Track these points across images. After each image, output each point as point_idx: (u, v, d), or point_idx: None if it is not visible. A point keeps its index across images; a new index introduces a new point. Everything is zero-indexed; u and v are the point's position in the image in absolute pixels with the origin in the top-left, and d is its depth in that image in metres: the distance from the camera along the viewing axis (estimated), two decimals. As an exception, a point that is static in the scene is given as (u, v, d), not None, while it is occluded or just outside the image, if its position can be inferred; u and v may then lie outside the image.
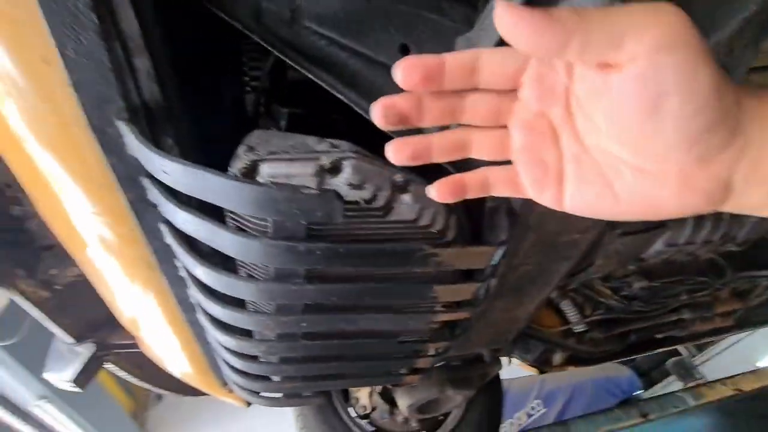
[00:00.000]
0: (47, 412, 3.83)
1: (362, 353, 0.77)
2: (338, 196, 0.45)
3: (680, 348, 5.19)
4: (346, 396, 1.49)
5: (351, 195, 0.50)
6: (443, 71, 0.33)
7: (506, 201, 0.61)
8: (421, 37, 0.53)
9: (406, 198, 0.55)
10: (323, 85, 0.53)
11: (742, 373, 1.76)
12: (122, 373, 1.29)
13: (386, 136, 0.52)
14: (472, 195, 0.41)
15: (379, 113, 0.35)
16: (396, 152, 0.37)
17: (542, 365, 1.76)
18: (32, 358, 3.33)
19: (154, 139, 0.50)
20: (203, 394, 1.40)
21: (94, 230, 0.64)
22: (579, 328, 1.39)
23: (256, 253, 0.51)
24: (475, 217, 0.64)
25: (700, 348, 5.45)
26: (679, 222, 1.08)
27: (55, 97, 0.46)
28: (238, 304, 0.64)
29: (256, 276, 0.59)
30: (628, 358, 2.09)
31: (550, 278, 0.82)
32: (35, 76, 0.44)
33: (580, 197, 0.35)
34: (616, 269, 1.25)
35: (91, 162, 0.52)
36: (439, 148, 0.38)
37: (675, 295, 1.37)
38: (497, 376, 1.67)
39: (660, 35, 0.26)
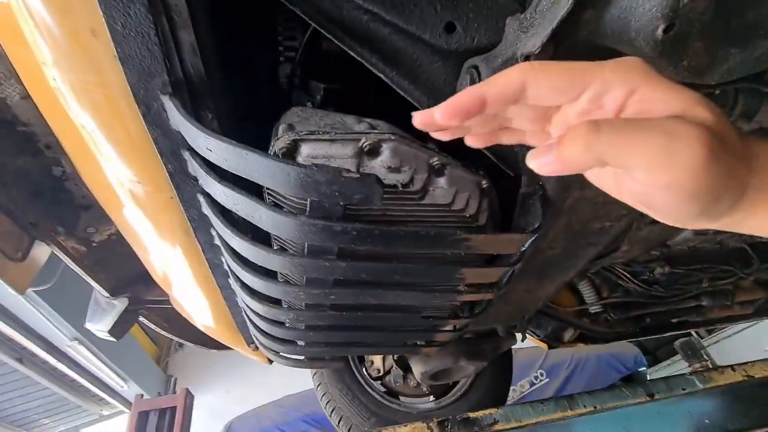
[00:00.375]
0: (79, 352, 4.14)
1: (385, 325, 0.80)
2: (378, 181, 0.46)
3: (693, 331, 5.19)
4: (361, 357, 1.56)
5: (389, 178, 0.50)
6: (485, 106, 0.33)
7: (541, 187, 0.61)
8: (469, 14, 0.50)
9: (442, 181, 0.55)
10: (364, 62, 0.52)
11: (753, 361, 1.77)
12: (153, 326, 1.38)
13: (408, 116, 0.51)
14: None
15: (419, 125, 0.35)
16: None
17: (552, 341, 1.79)
18: (66, 303, 3.55)
19: (195, 113, 0.51)
20: (228, 348, 1.48)
21: (135, 198, 0.67)
22: (595, 308, 1.40)
23: (293, 230, 0.52)
24: (508, 203, 0.64)
25: (710, 330, 5.45)
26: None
27: (102, 70, 0.46)
28: (269, 274, 0.66)
29: (290, 250, 0.61)
30: (640, 339, 2.11)
31: (575, 262, 0.82)
32: (83, 47, 0.44)
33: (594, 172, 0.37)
34: (640, 255, 1.24)
35: (135, 134, 0.53)
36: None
37: (696, 282, 1.36)
38: (508, 351, 1.71)
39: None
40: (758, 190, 0.29)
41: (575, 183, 0.60)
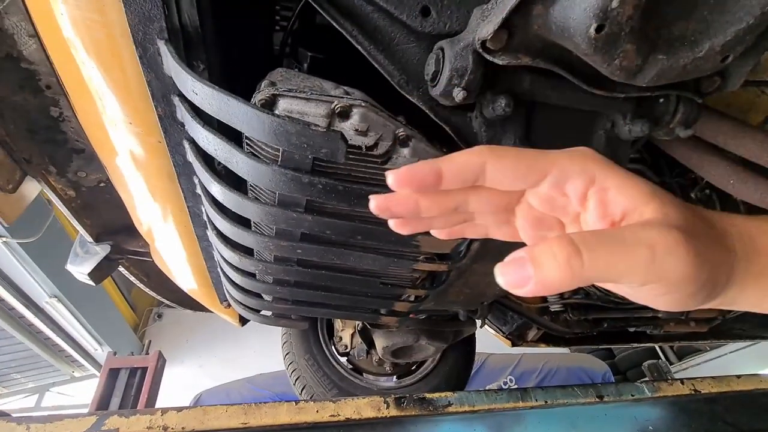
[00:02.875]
0: (57, 310, 4.15)
1: (347, 288, 0.85)
2: (343, 137, 0.51)
3: (661, 353, 5.34)
4: (330, 332, 1.62)
5: (355, 139, 0.56)
6: (440, 181, 0.32)
7: (497, 170, 0.67)
8: (443, 1, 0.56)
9: (405, 151, 0.60)
10: (346, 34, 0.57)
11: (703, 377, 1.86)
12: (131, 278, 1.42)
13: (389, 92, 0.57)
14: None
15: (376, 210, 0.34)
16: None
17: (517, 339, 1.87)
18: (49, 258, 3.56)
19: (188, 61, 0.56)
20: (202, 309, 1.54)
21: (125, 139, 0.72)
22: (556, 307, 1.47)
23: (265, 178, 0.58)
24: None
25: (681, 357, 5.58)
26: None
27: (106, 11, 0.51)
28: (244, 223, 0.72)
29: (263, 200, 0.66)
30: (601, 346, 2.20)
31: (529, 251, 0.88)
32: (91, -13, 0.49)
33: None
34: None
35: (131, 75, 0.58)
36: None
37: (653, 293, 1.44)
38: (470, 338, 1.78)
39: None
40: (742, 270, 0.31)
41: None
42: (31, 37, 0.78)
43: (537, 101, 0.62)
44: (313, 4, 0.56)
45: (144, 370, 2.40)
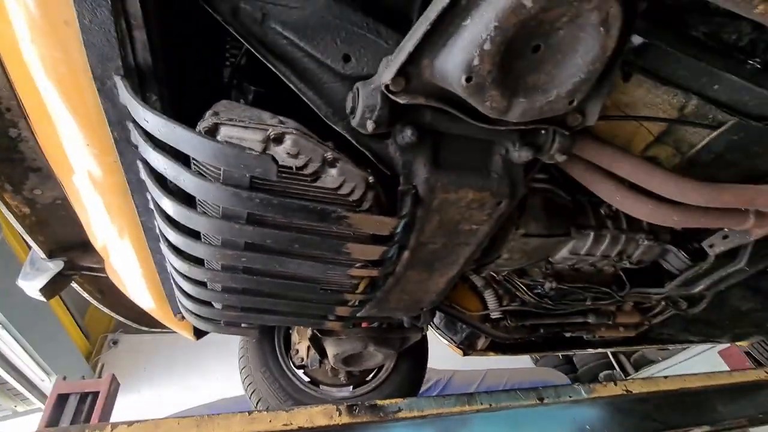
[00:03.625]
0: (1, 338, 3.89)
1: (291, 294, 0.94)
2: (274, 159, 0.62)
3: (617, 366, 5.61)
4: (288, 346, 1.68)
5: (287, 161, 0.67)
6: None
7: (414, 187, 0.79)
8: (360, 51, 0.69)
9: (333, 171, 0.72)
10: (279, 74, 0.69)
11: (634, 378, 2.04)
12: (85, 295, 1.44)
13: (321, 123, 0.69)
14: None
15: None
16: None
17: (467, 348, 1.99)
18: (-9, 282, 3.38)
19: (142, 94, 0.66)
20: (158, 326, 1.56)
21: (83, 159, 0.79)
22: (496, 315, 1.60)
23: (210, 193, 0.67)
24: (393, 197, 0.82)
25: (637, 368, 5.89)
26: (582, 235, 1.28)
27: (70, 51, 0.60)
28: (194, 235, 0.80)
29: (210, 213, 0.75)
30: (546, 353, 2.34)
31: (454, 258, 1.00)
32: (57, 32, 0.59)
33: None
34: (530, 267, 1.46)
35: (90, 104, 0.67)
36: None
37: (581, 300, 1.59)
38: (422, 348, 1.88)
39: None
40: None
41: (439, 187, 0.79)
42: (-6, 66, 0.85)
43: (441, 131, 0.75)
44: (250, 49, 0.67)
45: (95, 394, 2.32)
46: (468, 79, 0.57)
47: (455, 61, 0.56)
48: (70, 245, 1.25)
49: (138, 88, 0.64)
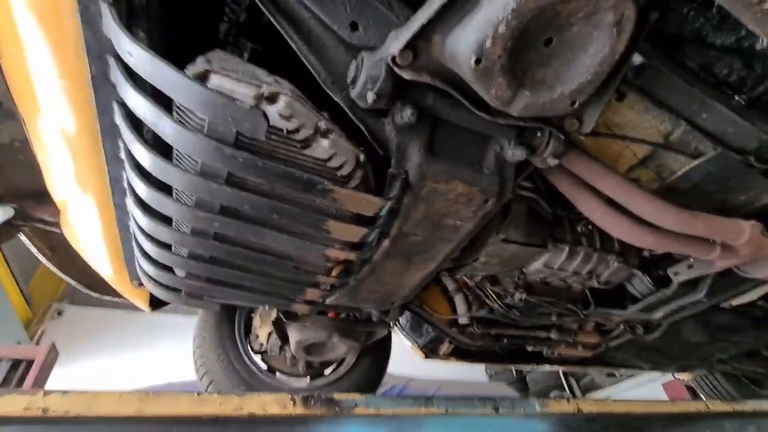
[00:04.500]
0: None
1: (261, 269, 0.89)
2: (265, 116, 0.58)
3: (567, 389, 5.78)
4: (248, 329, 1.61)
5: (278, 122, 0.63)
6: None
7: (404, 172, 0.77)
8: (369, 21, 0.67)
9: (325, 142, 0.68)
10: (283, 33, 0.65)
11: (585, 398, 2.08)
12: (34, 249, 1.33)
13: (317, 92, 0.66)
14: None
15: None
16: None
17: (430, 352, 1.98)
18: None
19: (129, 27, 0.60)
20: (110, 293, 1.46)
21: (53, 95, 0.72)
22: (463, 320, 1.60)
23: (190, 145, 0.62)
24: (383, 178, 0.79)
25: (585, 392, 6.07)
26: (558, 248, 1.30)
27: (54, -36, 0.55)
28: (165, 190, 0.75)
29: (186, 168, 0.70)
30: (505, 364, 2.37)
31: (434, 254, 0.99)
32: (42, -59, 0.53)
33: None
34: (502, 274, 1.47)
35: (69, 30, 0.61)
36: None
37: (547, 314, 1.62)
38: (385, 347, 1.86)
39: None
40: None
41: (430, 174, 0.77)
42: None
43: (440, 118, 0.73)
44: (257, 2, 0.64)
45: (29, 362, 2.16)
46: (477, 61, 0.56)
47: (467, 41, 0.55)
48: (23, 193, 1.15)
49: (126, 19, 0.59)
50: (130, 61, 0.57)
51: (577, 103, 0.64)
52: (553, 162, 0.78)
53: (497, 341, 1.69)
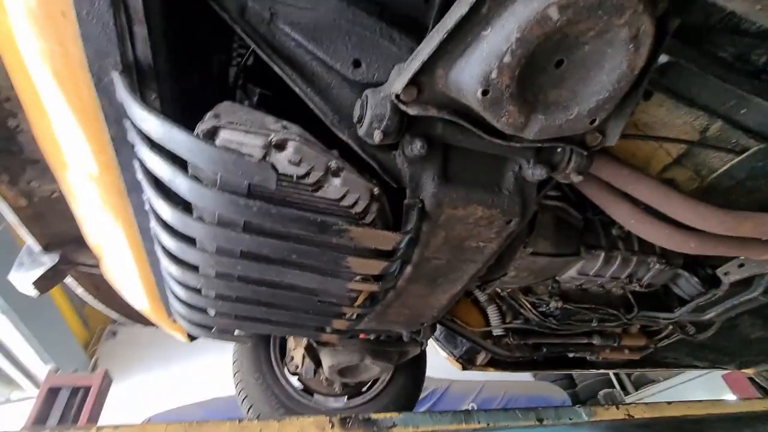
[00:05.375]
0: (1, 325, 3.89)
1: (287, 304, 0.90)
2: (273, 167, 0.58)
3: (617, 384, 5.52)
4: (283, 352, 1.64)
5: (288, 169, 0.63)
6: None
7: (420, 201, 0.75)
8: (372, 56, 0.66)
9: (336, 181, 0.68)
10: (285, 78, 0.65)
11: (637, 403, 1.98)
12: (80, 290, 1.41)
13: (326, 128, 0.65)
14: None
15: None
16: None
17: (466, 362, 1.94)
18: (-7, 268, 3.37)
19: (141, 92, 0.62)
20: (151, 323, 1.52)
21: (78, 156, 0.76)
22: (498, 332, 1.56)
23: (205, 199, 0.64)
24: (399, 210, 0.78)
25: (637, 387, 5.78)
26: (592, 255, 1.24)
27: (66, 43, 0.57)
28: (188, 241, 0.77)
29: (206, 219, 0.72)
30: (546, 371, 2.29)
31: (460, 275, 0.96)
32: (54, 23, 0.56)
33: None
34: (536, 285, 1.42)
35: (87, 99, 0.64)
36: None
37: (586, 321, 1.55)
38: (420, 361, 1.84)
39: None
40: None
41: (446, 202, 0.75)
42: (-6, 55, 0.82)
43: (452, 144, 0.71)
44: (257, 51, 0.64)
45: (87, 389, 2.29)
46: (484, 93, 0.53)
47: (472, 73, 0.53)
48: (66, 239, 1.22)
49: (137, 85, 0.61)
50: (143, 127, 0.59)
51: (597, 121, 0.60)
52: (577, 178, 0.74)
53: (536, 351, 1.63)
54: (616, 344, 1.72)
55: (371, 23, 0.65)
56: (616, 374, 5.48)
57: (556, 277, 1.32)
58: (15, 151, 0.99)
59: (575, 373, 5.32)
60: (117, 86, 0.60)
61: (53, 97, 0.66)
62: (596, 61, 0.54)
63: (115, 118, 0.66)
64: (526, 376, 5.34)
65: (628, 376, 5.59)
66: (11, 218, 1.09)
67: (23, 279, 1.16)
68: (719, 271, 1.26)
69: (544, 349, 1.65)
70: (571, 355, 1.80)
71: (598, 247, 1.23)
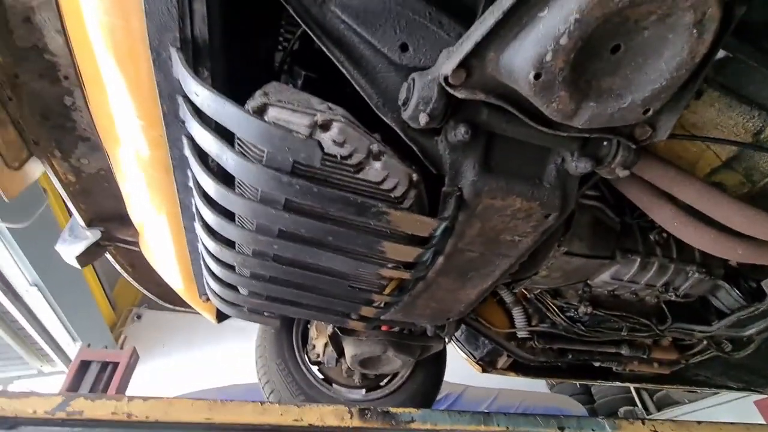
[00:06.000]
0: (36, 299, 4.10)
1: (318, 287, 0.91)
2: (320, 145, 0.59)
3: (639, 402, 5.32)
4: (305, 339, 1.66)
5: (332, 149, 0.64)
6: None
7: (459, 189, 0.75)
8: (420, 41, 0.66)
9: (377, 164, 0.68)
10: (333, 59, 0.66)
11: (663, 420, 1.90)
12: (117, 266, 1.47)
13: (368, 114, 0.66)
14: None
15: None
16: None
17: (487, 365, 1.91)
18: (34, 247, 3.56)
19: (195, 68, 0.65)
20: (183, 305, 1.57)
21: (130, 131, 0.79)
22: (522, 334, 1.53)
23: (250, 175, 0.65)
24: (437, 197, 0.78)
25: (660, 407, 5.55)
26: (628, 260, 1.20)
27: (130, 18, 0.60)
28: (228, 217, 0.79)
29: (247, 196, 0.74)
30: (570, 380, 2.24)
31: (492, 270, 0.95)
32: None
33: None
34: (565, 287, 1.38)
35: (144, 74, 0.67)
36: None
37: (615, 329, 1.50)
38: (440, 360, 1.82)
39: None
40: None
41: (486, 191, 0.74)
42: (57, 33, 0.87)
43: (496, 132, 0.70)
44: (308, 31, 0.65)
45: (115, 365, 2.39)
46: (537, 76, 0.53)
47: (525, 56, 0.52)
48: (108, 216, 1.28)
49: (192, 61, 0.63)
50: (197, 101, 0.61)
51: (651, 111, 0.58)
52: (623, 173, 0.72)
53: (560, 356, 1.59)
54: (645, 356, 1.66)
55: (421, 8, 0.65)
56: (638, 392, 5.27)
57: (588, 281, 1.28)
58: (69, 128, 1.04)
59: (595, 387, 5.15)
60: (174, 61, 0.62)
61: (112, 72, 0.70)
62: (655, 48, 0.53)
63: (169, 94, 0.68)
64: (542, 388, 5.22)
65: (651, 395, 5.37)
66: (60, 192, 1.14)
67: (68, 252, 1.22)
68: (765, 284, 1.20)
69: (570, 356, 1.61)
70: (596, 364, 1.75)
71: (634, 252, 1.19)
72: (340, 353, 1.43)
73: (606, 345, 1.59)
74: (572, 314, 1.47)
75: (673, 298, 1.34)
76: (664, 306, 1.47)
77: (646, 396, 5.37)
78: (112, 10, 0.60)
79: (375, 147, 0.67)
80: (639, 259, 1.19)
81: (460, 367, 2.14)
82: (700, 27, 0.50)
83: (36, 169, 1.07)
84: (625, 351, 1.62)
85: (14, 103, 0.93)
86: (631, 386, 4.86)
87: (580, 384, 5.06)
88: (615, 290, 1.35)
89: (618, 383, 2.13)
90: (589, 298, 1.40)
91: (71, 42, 0.77)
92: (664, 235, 1.23)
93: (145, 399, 1.27)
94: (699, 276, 1.26)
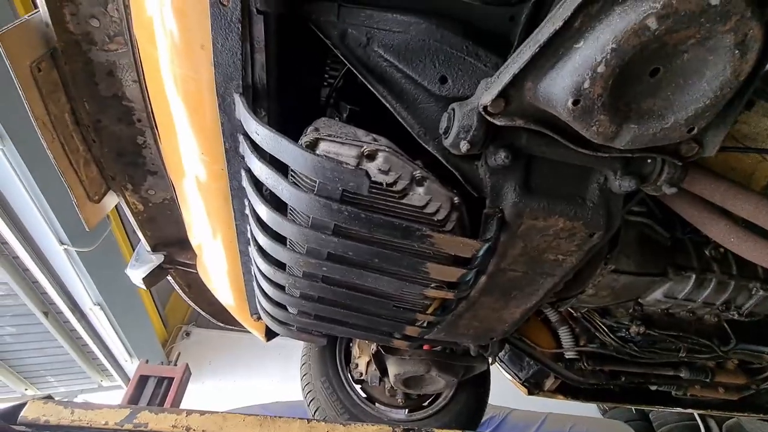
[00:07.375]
0: (98, 317, 4.43)
1: (364, 307, 0.95)
2: (367, 174, 0.64)
3: (703, 429, 4.85)
4: (348, 358, 1.69)
5: (378, 177, 0.69)
6: None
7: (500, 211, 0.77)
8: (458, 73, 0.70)
9: (420, 189, 0.72)
10: (377, 94, 0.71)
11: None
12: (176, 287, 1.58)
13: (411, 140, 0.70)
14: None
15: None
16: None
17: (533, 387, 1.85)
18: (98, 268, 3.87)
19: (254, 110, 0.72)
20: (234, 324, 1.66)
21: (195, 166, 0.88)
22: (570, 354, 1.48)
23: (302, 203, 0.71)
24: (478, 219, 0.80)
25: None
26: (681, 277, 1.15)
27: (200, 70, 0.69)
28: (281, 241, 0.85)
29: (299, 222, 0.79)
30: (624, 405, 2.11)
31: (535, 289, 0.95)
32: (193, 54, 0.67)
33: None
34: (615, 308, 1.33)
35: (209, 116, 0.75)
36: None
37: (673, 350, 1.41)
38: (485, 381, 1.78)
39: None
40: None
41: (527, 212, 0.75)
42: (134, 82, 0.99)
43: (535, 155, 0.72)
44: (353, 70, 0.71)
45: (170, 380, 2.53)
46: (575, 102, 0.55)
47: (563, 84, 0.54)
48: (170, 241, 1.39)
49: (252, 104, 0.71)
50: (256, 138, 0.67)
51: (696, 129, 0.58)
52: (669, 190, 0.71)
53: (613, 379, 1.52)
54: (708, 380, 1.55)
55: (458, 42, 0.70)
56: (703, 419, 4.83)
57: (639, 299, 1.23)
58: (140, 164, 1.16)
59: (653, 413, 4.77)
60: (237, 105, 0.70)
61: (182, 115, 0.79)
62: (696, 69, 0.53)
63: (231, 133, 0.76)
64: (594, 413, 4.90)
65: (719, 423, 4.89)
66: (131, 220, 1.27)
67: (136, 275, 1.34)
68: (843, 302, 1.10)
69: (623, 378, 1.53)
70: (653, 388, 1.65)
71: (688, 269, 1.14)
72: (384, 372, 1.45)
73: (662, 367, 1.50)
74: (623, 334, 1.40)
75: (736, 317, 1.26)
76: (726, 326, 1.38)
77: (713, 424, 4.89)
78: (186, 65, 0.69)
79: (418, 173, 0.71)
80: (694, 276, 1.14)
81: (505, 389, 2.07)
82: (742, 47, 0.50)
83: (111, 201, 1.20)
84: (684, 374, 1.52)
85: (97, 144, 1.05)
86: (695, 413, 4.46)
87: (636, 409, 4.70)
88: (669, 309, 1.29)
89: (679, 409, 1.98)
90: (641, 317, 1.34)
91: (147, 90, 0.88)
92: (721, 250, 1.17)
93: (201, 413, 1.34)
94: (764, 293, 1.18)
